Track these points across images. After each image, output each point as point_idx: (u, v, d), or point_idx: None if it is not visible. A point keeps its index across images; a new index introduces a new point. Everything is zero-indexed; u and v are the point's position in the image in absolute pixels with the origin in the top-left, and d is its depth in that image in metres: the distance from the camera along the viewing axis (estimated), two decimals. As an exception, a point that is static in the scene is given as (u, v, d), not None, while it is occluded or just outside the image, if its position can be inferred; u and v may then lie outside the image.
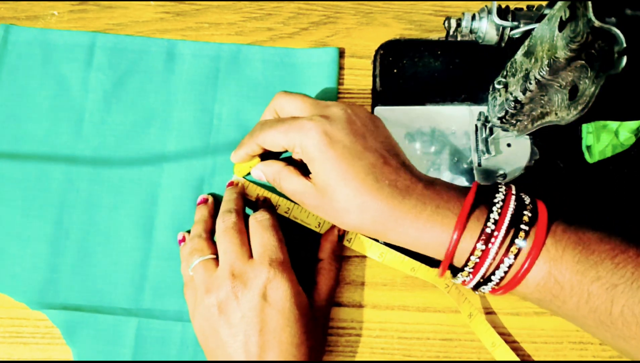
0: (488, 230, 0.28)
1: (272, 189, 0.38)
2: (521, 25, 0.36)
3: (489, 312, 0.38)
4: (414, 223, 0.29)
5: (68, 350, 0.36)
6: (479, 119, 0.39)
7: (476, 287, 0.30)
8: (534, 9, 0.36)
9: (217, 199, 0.39)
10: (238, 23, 0.43)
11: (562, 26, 0.26)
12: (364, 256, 0.39)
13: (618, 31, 0.22)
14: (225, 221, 0.33)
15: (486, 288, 0.29)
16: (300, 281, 0.33)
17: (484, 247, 0.28)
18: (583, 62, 0.26)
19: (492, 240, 0.28)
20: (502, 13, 0.36)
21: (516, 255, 0.27)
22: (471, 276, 0.29)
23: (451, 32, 0.39)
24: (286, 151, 0.34)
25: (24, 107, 0.40)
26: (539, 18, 0.35)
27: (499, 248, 0.28)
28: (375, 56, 0.42)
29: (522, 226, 0.28)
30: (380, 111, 0.40)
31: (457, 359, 0.37)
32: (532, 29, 0.34)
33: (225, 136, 0.40)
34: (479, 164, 0.39)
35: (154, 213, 0.38)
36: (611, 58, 0.23)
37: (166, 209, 0.38)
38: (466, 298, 0.37)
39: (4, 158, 0.39)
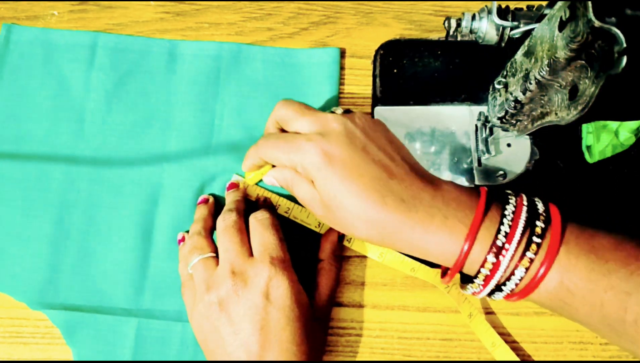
0: (499, 243, 0.27)
1: (272, 189, 0.38)
2: (521, 25, 0.36)
3: (488, 312, 0.38)
4: (423, 234, 0.28)
5: (68, 350, 0.36)
6: (479, 119, 0.39)
7: (488, 296, 0.29)
8: (534, 9, 0.36)
9: (218, 200, 0.39)
10: (238, 23, 0.43)
11: (562, 26, 0.26)
12: (364, 256, 0.39)
13: (618, 31, 0.22)
14: (226, 220, 0.34)
15: (498, 297, 0.29)
16: (300, 281, 0.33)
17: (494, 260, 0.27)
18: (583, 62, 0.26)
19: (503, 252, 0.27)
20: (502, 13, 0.36)
21: (527, 268, 0.27)
22: (481, 287, 0.28)
23: (451, 32, 0.39)
24: None
25: (25, 107, 0.40)
26: (539, 18, 0.35)
27: (510, 260, 0.27)
28: (375, 56, 0.42)
29: (535, 239, 0.27)
30: (380, 111, 0.40)
31: (457, 359, 0.37)
32: (532, 29, 0.34)
33: (226, 136, 0.40)
34: (479, 164, 0.39)
35: (154, 213, 0.38)
36: (611, 58, 0.23)
37: (167, 210, 0.38)
38: (466, 299, 0.37)
39: (5, 158, 0.39)
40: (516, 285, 0.27)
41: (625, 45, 0.22)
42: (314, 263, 0.36)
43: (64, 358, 0.36)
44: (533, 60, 0.30)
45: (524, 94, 0.31)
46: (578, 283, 0.26)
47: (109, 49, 0.41)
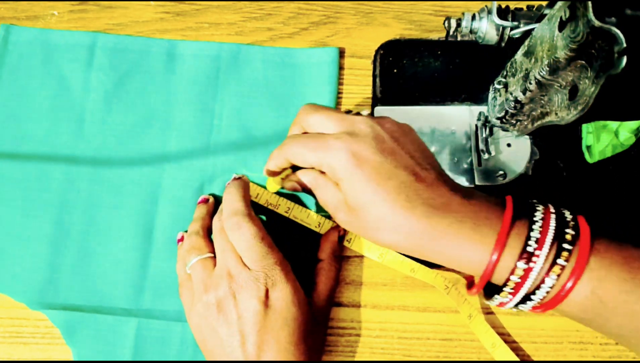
0: (530, 249, 0.26)
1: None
2: (521, 25, 0.36)
3: (488, 312, 0.38)
4: (451, 242, 0.28)
5: (68, 350, 0.36)
6: (479, 119, 0.39)
7: (514, 307, 0.29)
8: (534, 9, 0.36)
9: (218, 200, 0.39)
10: (238, 23, 0.43)
11: (562, 26, 0.26)
12: (364, 257, 0.38)
13: (618, 31, 0.22)
14: (222, 220, 0.33)
15: (525, 307, 0.28)
16: (300, 281, 0.33)
17: (525, 266, 0.26)
18: (583, 62, 0.26)
19: (534, 259, 0.26)
20: (502, 13, 0.36)
21: (559, 275, 0.26)
22: (510, 296, 0.28)
23: (451, 32, 0.39)
24: None
25: (24, 107, 0.40)
26: (539, 18, 0.35)
27: (541, 268, 0.26)
28: (375, 56, 0.42)
29: (565, 245, 0.26)
30: (380, 111, 0.40)
31: (457, 359, 0.37)
32: (532, 29, 0.34)
33: (225, 136, 0.40)
34: (479, 164, 0.39)
35: (154, 213, 0.38)
36: (611, 58, 0.23)
37: (166, 210, 0.38)
38: (465, 299, 0.37)
39: (5, 158, 0.39)
40: (546, 293, 0.27)
41: (625, 45, 0.22)
42: (314, 263, 0.36)
43: (64, 358, 0.36)
44: (533, 60, 0.30)
45: (524, 94, 0.31)
46: (610, 293, 0.26)
47: (108, 49, 0.41)
